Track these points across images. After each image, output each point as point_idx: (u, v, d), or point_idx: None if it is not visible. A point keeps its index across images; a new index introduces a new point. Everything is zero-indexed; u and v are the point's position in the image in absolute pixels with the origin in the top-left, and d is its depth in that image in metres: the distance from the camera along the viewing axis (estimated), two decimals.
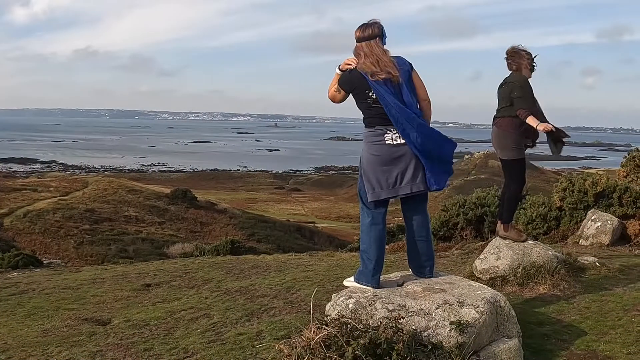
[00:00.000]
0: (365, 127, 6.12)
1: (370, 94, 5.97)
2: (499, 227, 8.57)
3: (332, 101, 6.24)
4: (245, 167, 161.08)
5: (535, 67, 8.05)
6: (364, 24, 6.20)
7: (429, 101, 6.27)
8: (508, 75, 8.06)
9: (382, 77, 5.93)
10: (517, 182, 8.26)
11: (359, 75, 5.99)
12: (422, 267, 6.32)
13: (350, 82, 6.06)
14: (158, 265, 11.36)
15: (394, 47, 6.15)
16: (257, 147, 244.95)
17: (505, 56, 8.09)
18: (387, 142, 5.95)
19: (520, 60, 7.94)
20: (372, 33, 6.14)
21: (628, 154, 15.26)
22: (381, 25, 6.16)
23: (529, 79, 7.98)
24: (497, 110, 8.13)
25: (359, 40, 6.15)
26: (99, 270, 10.98)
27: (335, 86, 6.16)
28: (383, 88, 5.92)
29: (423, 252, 6.31)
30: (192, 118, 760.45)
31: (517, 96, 7.77)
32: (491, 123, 8.57)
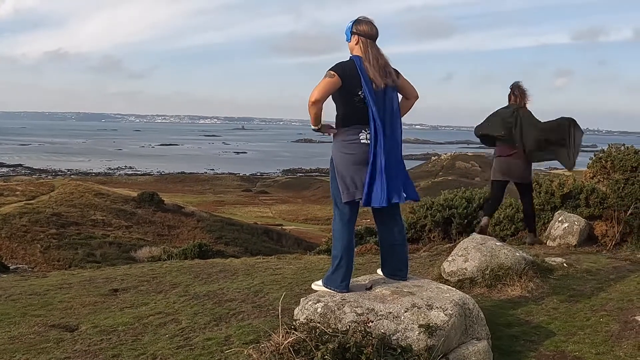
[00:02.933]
0: (340, 126, 5.90)
1: (360, 94, 5.74)
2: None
3: (320, 94, 5.66)
4: (213, 169, 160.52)
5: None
6: (368, 20, 5.99)
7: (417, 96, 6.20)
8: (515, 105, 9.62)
9: (382, 86, 5.80)
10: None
11: (355, 74, 5.75)
12: (398, 270, 6.28)
13: (344, 74, 5.72)
14: (125, 269, 11.26)
15: None
16: (224, 150, 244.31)
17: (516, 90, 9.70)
18: (361, 140, 5.81)
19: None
20: (376, 33, 5.98)
21: (594, 155, 15.37)
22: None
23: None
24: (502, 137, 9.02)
25: (367, 36, 5.91)
26: (66, 276, 10.86)
27: (329, 73, 5.68)
28: (374, 95, 5.73)
29: (399, 258, 6.26)
30: (159, 121, 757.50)
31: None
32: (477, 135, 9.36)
